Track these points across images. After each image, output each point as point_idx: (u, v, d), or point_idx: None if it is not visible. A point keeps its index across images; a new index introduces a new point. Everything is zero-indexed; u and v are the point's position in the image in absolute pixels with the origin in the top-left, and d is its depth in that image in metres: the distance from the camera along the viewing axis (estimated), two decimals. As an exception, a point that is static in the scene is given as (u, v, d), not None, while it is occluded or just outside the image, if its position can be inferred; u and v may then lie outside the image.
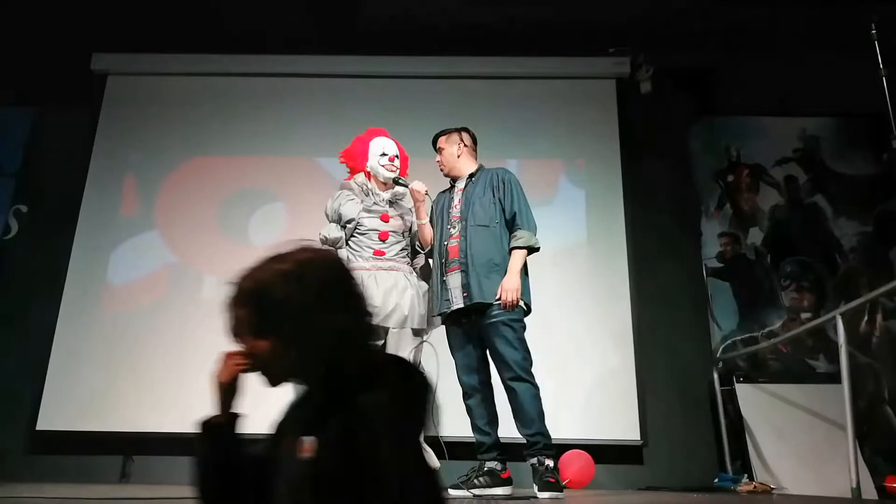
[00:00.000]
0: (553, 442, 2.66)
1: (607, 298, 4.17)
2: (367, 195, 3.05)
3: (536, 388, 2.67)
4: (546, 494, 2.47)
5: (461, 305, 2.77)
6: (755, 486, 3.36)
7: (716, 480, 3.63)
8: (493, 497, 2.55)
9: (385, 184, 3.09)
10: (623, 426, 3.88)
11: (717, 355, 4.08)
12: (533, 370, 2.73)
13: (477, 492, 2.63)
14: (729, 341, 4.15)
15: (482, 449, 2.77)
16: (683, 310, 4.24)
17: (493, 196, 2.85)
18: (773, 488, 3.36)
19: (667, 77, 4.57)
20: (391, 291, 2.87)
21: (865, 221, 4.36)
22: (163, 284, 4.21)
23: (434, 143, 3.11)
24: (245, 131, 4.53)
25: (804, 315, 4.17)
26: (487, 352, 2.80)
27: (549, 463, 2.58)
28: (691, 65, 4.64)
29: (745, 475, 3.56)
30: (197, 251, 4.27)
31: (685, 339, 4.17)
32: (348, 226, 3.00)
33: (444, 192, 3.10)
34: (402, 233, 3.07)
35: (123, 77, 4.67)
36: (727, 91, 4.61)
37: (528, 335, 4.18)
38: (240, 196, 4.40)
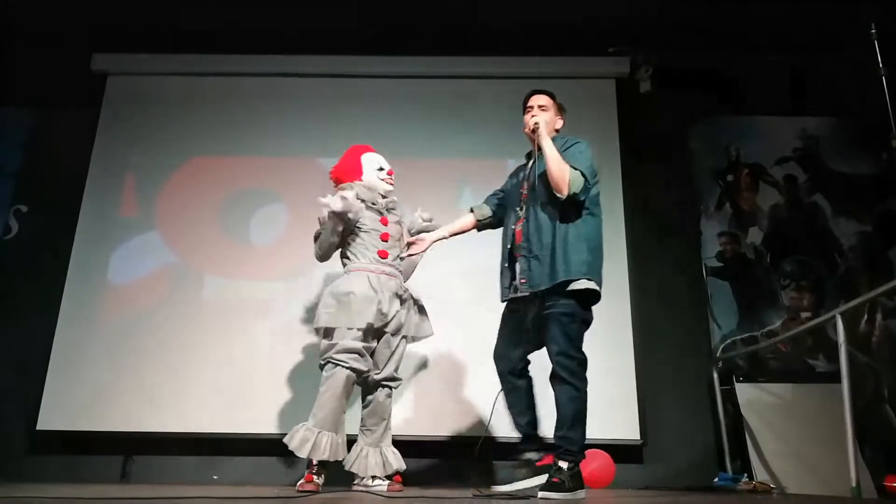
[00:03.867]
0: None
1: (607, 298, 4.14)
2: (370, 192, 3.07)
3: (578, 390, 2.49)
4: (545, 493, 2.42)
5: (524, 293, 2.62)
6: (755, 486, 3.37)
7: (716, 480, 3.62)
8: (492, 495, 2.53)
9: (383, 196, 3.13)
10: (623, 426, 3.88)
11: (717, 355, 4.08)
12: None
13: (520, 485, 2.53)
14: (729, 341, 4.15)
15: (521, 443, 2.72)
16: (683, 309, 4.24)
17: None
18: (772, 487, 3.37)
19: (667, 77, 4.57)
20: (394, 298, 2.93)
21: (865, 221, 4.36)
22: (163, 284, 4.21)
23: (527, 98, 2.93)
24: (245, 131, 4.53)
25: (804, 314, 4.18)
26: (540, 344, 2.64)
27: (564, 465, 2.46)
28: (691, 65, 4.65)
29: (745, 474, 3.57)
30: (197, 251, 4.27)
31: (685, 339, 4.18)
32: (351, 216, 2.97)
33: (520, 166, 2.91)
34: (397, 240, 3.09)
35: (123, 77, 4.67)
36: (727, 91, 4.61)
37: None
38: (240, 196, 4.40)
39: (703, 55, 4.61)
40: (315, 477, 2.76)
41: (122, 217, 4.35)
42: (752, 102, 4.62)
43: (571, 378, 2.50)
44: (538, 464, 2.60)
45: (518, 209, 2.76)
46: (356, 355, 2.80)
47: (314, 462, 2.76)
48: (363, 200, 3.00)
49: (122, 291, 4.19)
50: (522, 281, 2.62)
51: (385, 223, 3.05)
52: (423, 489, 3.13)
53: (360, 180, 3.11)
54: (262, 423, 3.85)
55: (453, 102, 4.57)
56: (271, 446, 3.84)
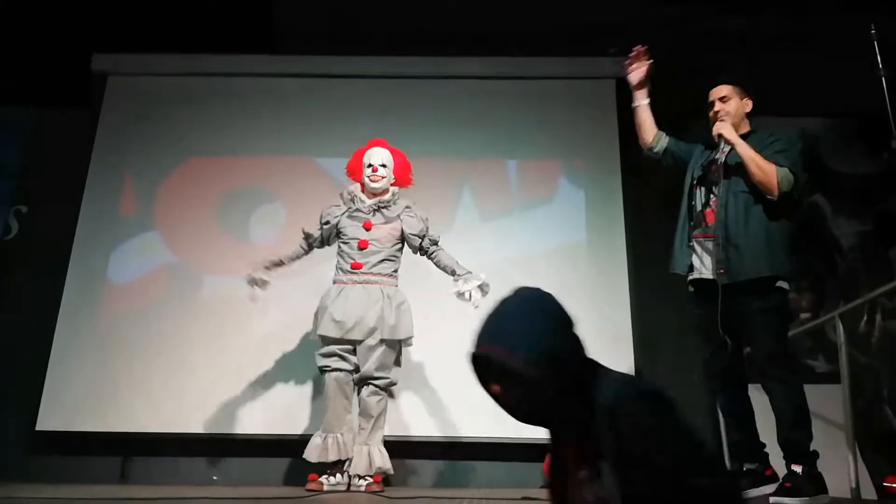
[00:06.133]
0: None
1: (607, 299, 4.17)
2: (353, 201, 3.17)
3: (794, 388, 2.38)
4: (778, 499, 2.29)
5: (711, 277, 2.51)
6: (755, 486, 3.36)
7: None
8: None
9: (374, 193, 3.19)
10: (623, 426, 3.88)
11: (717, 355, 4.07)
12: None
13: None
14: (728, 341, 4.14)
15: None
16: (683, 309, 4.22)
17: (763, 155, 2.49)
18: (772, 488, 3.36)
19: (666, 77, 4.56)
20: (356, 304, 2.98)
21: (865, 221, 4.36)
22: (163, 284, 4.21)
23: (711, 87, 2.82)
24: (245, 131, 4.54)
25: (803, 315, 4.17)
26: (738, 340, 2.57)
27: (797, 469, 2.34)
28: (690, 64, 4.64)
29: (745, 475, 3.55)
30: (197, 251, 4.27)
31: (685, 339, 4.16)
32: (325, 227, 3.18)
33: (706, 149, 2.75)
34: (387, 242, 3.12)
35: (123, 77, 4.67)
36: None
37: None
38: (240, 196, 4.40)
39: (703, 55, 4.60)
40: (321, 476, 2.90)
41: (121, 217, 4.36)
42: (752, 102, 4.60)
43: (785, 376, 2.40)
44: (766, 472, 2.47)
45: (711, 189, 2.60)
46: (336, 357, 2.97)
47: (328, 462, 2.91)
48: (349, 207, 3.17)
49: (121, 291, 4.19)
50: (721, 271, 2.46)
51: (368, 227, 3.10)
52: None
53: (361, 179, 3.22)
54: (262, 423, 3.85)
55: (453, 102, 4.57)
56: (271, 446, 3.85)
